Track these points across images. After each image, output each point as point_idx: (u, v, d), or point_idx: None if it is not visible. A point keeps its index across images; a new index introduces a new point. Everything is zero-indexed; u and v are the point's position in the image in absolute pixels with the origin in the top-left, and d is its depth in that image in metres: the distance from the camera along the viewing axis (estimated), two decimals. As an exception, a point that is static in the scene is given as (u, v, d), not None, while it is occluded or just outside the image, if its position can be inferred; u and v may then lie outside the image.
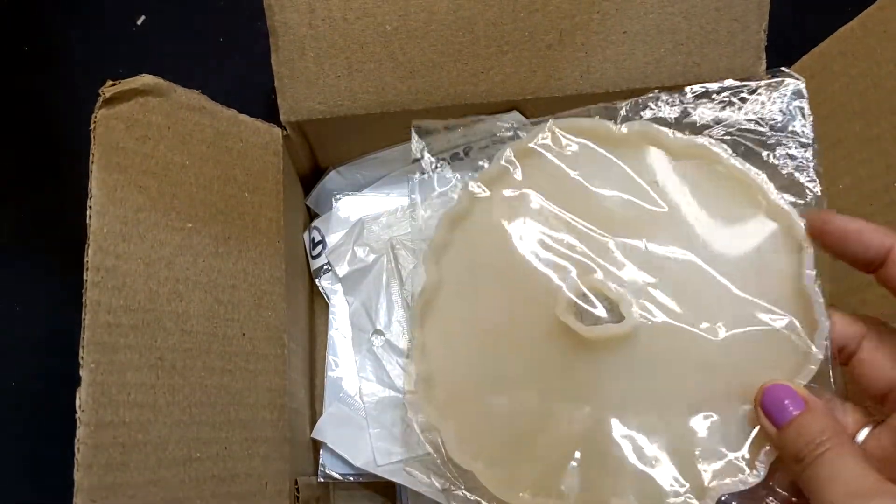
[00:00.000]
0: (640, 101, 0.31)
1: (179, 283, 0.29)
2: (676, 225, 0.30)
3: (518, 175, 0.32)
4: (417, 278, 0.32)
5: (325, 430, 0.38)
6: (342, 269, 0.40)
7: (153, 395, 0.28)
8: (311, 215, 0.44)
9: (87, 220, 0.27)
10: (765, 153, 0.30)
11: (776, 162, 0.30)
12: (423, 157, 0.34)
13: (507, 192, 0.31)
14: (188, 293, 0.30)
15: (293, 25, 0.34)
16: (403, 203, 0.40)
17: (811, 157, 0.29)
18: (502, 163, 0.32)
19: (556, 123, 0.32)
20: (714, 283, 0.29)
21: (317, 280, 0.42)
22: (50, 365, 0.41)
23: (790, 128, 0.30)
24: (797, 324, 0.28)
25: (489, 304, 0.31)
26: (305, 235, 0.42)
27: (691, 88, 0.31)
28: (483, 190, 0.32)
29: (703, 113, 0.31)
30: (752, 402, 0.27)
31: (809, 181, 0.29)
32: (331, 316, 0.41)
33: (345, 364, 0.40)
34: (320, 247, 0.41)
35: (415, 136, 0.34)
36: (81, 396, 0.26)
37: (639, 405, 0.29)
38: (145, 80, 0.30)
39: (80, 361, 0.26)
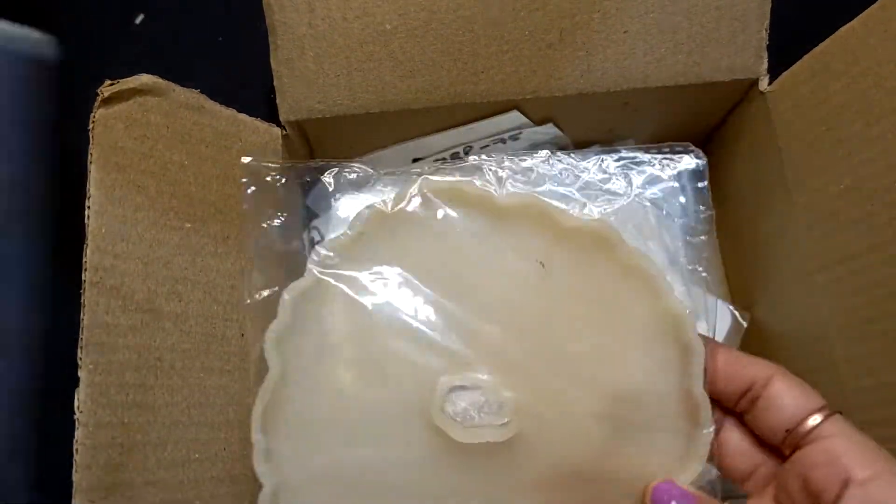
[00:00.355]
0: (530, 160, 0.29)
1: (178, 283, 0.29)
2: (563, 316, 0.27)
3: (378, 244, 0.28)
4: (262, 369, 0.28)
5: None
6: (341, 269, 0.40)
7: (152, 395, 0.28)
8: (311, 215, 0.44)
9: (86, 220, 0.27)
10: (662, 242, 0.29)
11: (670, 242, 0.29)
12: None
13: (365, 265, 0.28)
14: (187, 293, 0.30)
15: (292, 24, 0.34)
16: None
17: (704, 242, 0.29)
18: (357, 230, 0.28)
19: (428, 185, 0.28)
20: (598, 383, 0.27)
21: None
22: (49, 365, 0.41)
23: (686, 206, 0.29)
24: (682, 424, 0.27)
25: (344, 397, 0.28)
26: (304, 235, 0.42)
27: (587, 154, 0.30)
28: (335, 260, 0.28)
29: (599, 178, 0.29)
30: None
31: (702, 267, 0.29)
32: (330, 316, 0.41)
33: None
34: (320, 247, 0.41)
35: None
36: (80, 397, 0.26)
37: None
38: (144, 79, 0.29)
39: (79, 362, 0.26)
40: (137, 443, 0.27)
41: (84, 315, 0.26)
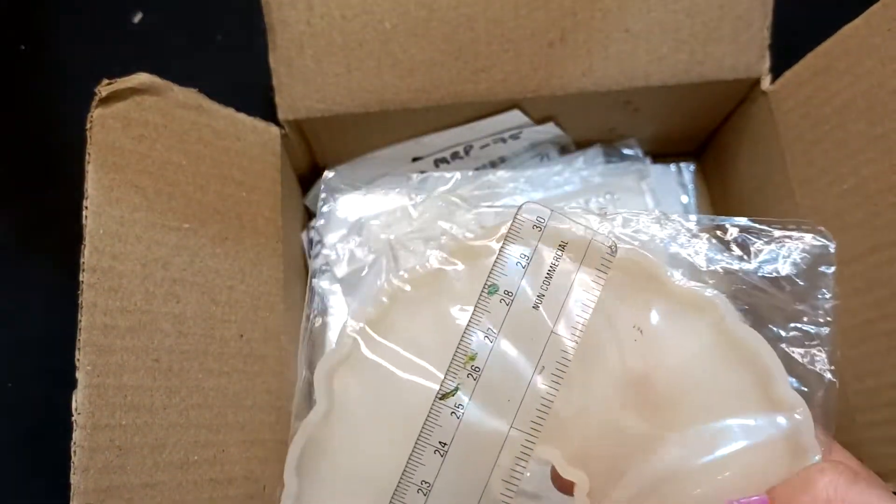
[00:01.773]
0: (630, 215, 0.26)
1: (176, 284, 0.29)
2: (657, 393, 0.24)
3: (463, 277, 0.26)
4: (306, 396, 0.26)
5: (323, 431, 0.37)
6: (341, 270, 0.40)
7: (150, 397, 0.27)
8: (310, 215, 0.43)
9: (84, 221, 0.27)
10: (775, 327, 0.24)
11: (788, 337, 0.24)
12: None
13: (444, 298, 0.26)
14: (185, 294, 0.29)
15: (291, 23, 0.34)
16: (403, 203, 0.40)
17: (827, 338, 0.24)
18: (436, 261, 0.26)
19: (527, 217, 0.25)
20: (690, 480, 0.23)
21: (315, 280, 0.41)
22: (46, 367, 0.41)
23: (811, 298, 0.25)
24: None
25: (391, 451, 0.25)
26: (304, 235, 0.42)
27: (698, 220, 0.26)
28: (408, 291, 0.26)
29: (707, 252, 0.25)
30: None
31: (823, 368, 0.24)
32: (329, 318, 0.40)
33: (344, 365, 0.39)
34: (319, 247, 0.41)
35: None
36: (78, 399, 0.25)
37: None
38: (142, 78, 0.29)
39: (77, 363, 0.26)
40: (135, 445, 0.27)
41: (82, 316, 0.26)
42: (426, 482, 0.23)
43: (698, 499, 0.23)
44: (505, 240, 0.25)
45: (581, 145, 0.42)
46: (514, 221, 0.25)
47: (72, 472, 0.25)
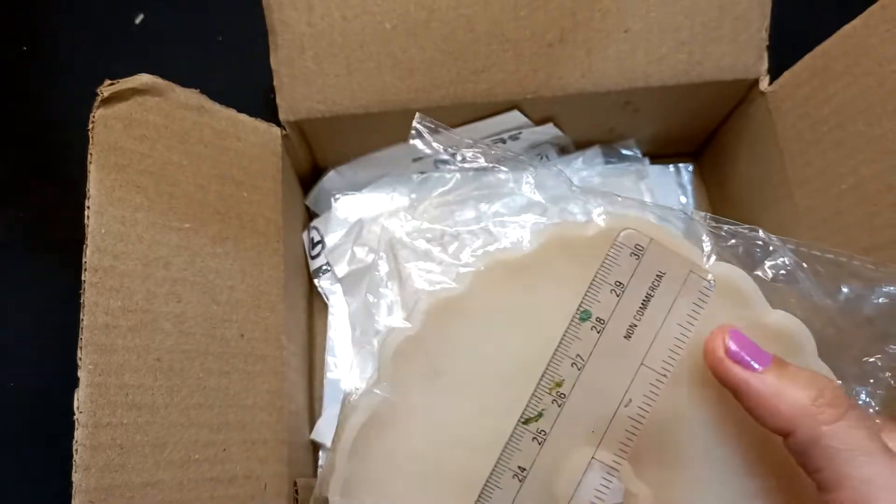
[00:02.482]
0: (736, 229, 0.26)
1: (177, 283, 0.29)
2: (726, 412, 0.24)
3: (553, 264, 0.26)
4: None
5: (324, 431, 0.37)
6: (341, 270, 0.40)
7: (151, 396, 0.28)
8: (310, 215, 0.44)
9: (86, 220, 0.27)
10: (841, 365, 0.24)
11: (849, 375, 0.25)
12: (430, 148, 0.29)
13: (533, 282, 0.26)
14: (186, 294, 0.29)
15: (292, 24, 0.34)
16: (403, 203, 0.40)
17: (885, 382, 0.25)
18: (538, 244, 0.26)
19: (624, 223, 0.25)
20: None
21: (315, 280, 0.41)
22: (48, 366, 0.41)
23: (884, 345, 0.25)
24: None
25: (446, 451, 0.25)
26: (304, 235, 0.42)
27: (803, 248, 0.25)
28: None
29: (803, 282, 0.25)
30: None
31: (877, 405, 0.25)
32: (329, 317, 0.41)
33: (344, 366, 0.39)
34: (319, 247, 0.41)
35: (420, 131, 0.29)
36: (80, 398, 0.26)
37: None
38: (143, 79, 0.29)
39: (79, 362, 0.26)
40: (137, 443, 0.27)
41: (83, 316, 0.26)
42: None
43: None
44: (601, 266, 0.25)
45: (580, 146, 0.42)
46: (612, 247, 0.25)
47: (73, 470, 0.25)
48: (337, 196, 0.42)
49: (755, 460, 0.24)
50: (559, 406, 0.24)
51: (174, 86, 0.31)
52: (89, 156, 0.28)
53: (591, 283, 0.25)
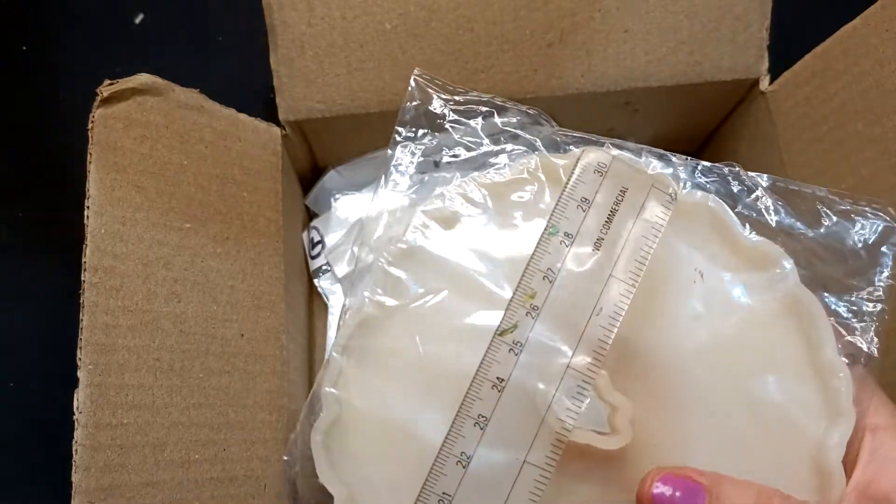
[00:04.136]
0: (713, 166, 0.27)
1: (177, 283, 0.29)
2: (702, 338, 0.25)
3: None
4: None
5: (324, 431, 0.37)
6: (341, 270, 0.40)
7: (151, 396, 0.28)
8: (310, 215, 0.44)
9: (85, 220, 0.27)
10: (829, 296, 0.25)
11: (837, 307, 0.25)
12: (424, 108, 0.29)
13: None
14: (186, 294, 0.29)
15: (292, 24, 0.34)
16: (403, 202, 0.40)
17: (876, 315, 0.25)
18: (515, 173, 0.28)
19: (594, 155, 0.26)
20: (720, 420, 0.25)
21: (315, 280, 0.41)
22: (48, 366, 0.41)
23: (868, 275, 0.25)
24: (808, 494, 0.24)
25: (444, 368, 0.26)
26: (304, 235, 0.42)
27: (766, 179, 0.27)
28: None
29: (774, 213, 0.26)
30: None
31: (869, 344, 0.25)
32: (329, 317, 0.41)
33: (344, 364, 0.39)
34: (319, 247, 0.41)
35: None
36: (79, 398, 0.26)
37: None
38: (143, 79, 0.29)
39: (78, 363, 0.26)
40: (137, 443, 0.27)
41: (83, 316, 0.26)
42: (483, 416, 0.24)
43: (735, 445, 0.24)
44: (567, 184, 0.26)
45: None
46: (577, 166, 0.26)
47: (73, 470, 0.25)
48: (337, 196, 0.42)
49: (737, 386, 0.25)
50: (533, 318, 0.24)
51: (174, 85, 0.31)
52: (89, 156, 0.28)
53: (559, 200, 0.25)
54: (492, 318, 0.26)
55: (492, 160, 0.29)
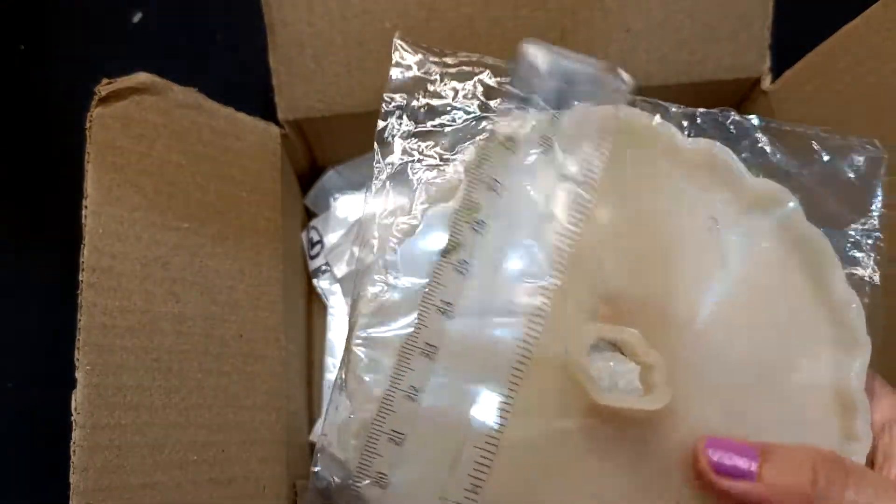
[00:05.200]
0: (708, 112, 0.27)
1: (176, 283, 0.29)
2: (721, 284, 0.24)
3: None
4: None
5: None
6: (340, 270, 0.40)
7: (149, 396, 0.27)
8: (310, 215, 0.43)
9: (83, 220, 0.27)
10: (827, 231, 0.25)
11: (837, 240, 0.25)
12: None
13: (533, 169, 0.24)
14: (184, 294, 0.29)
15: (291, 22, 0.33)
16: (403, 203, 0.40)
17: (874, 245, 0.25)
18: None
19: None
20: (746, 361, 0.24)
21: (315, 281, 0.41)
22: (46, 366, 0.41)
23: (861, 207, 0.26)
24: (833, 429, 0.23)
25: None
26: (303, 235, 0.42)
27: (758, 121, 0.27)
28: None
29: (777, 156, 0.26)
30: None
31: (870, 274, 0.25)
32: (328, 318, 0.40)
33: (343, 365, 0.39)
34: (318, 247, 0.41)
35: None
36: (77, 398, 0.25)
37: None
38: (141, 78, 0.29)
39: (76, 363, 0.26)
40: (135, 444, 0.27)
41: (81, 316, 0.26)
42: (431, 345, 0.22)
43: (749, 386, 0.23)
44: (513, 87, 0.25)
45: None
46: (518, 66, 0.25)
47: (71, 471, 0.25)
48: (336, 196, 0.42)
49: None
50: (480, 234, 0.23)
51: (172, 85, 0.30)
52: (87, 155, 0.28)
53: (499, 106, 0.24)
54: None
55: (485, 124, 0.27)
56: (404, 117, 0.27)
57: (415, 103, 0.26)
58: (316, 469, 0.25)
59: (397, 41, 0.27)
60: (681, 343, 0.23)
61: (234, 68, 0.46)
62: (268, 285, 0.33)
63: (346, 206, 0.41)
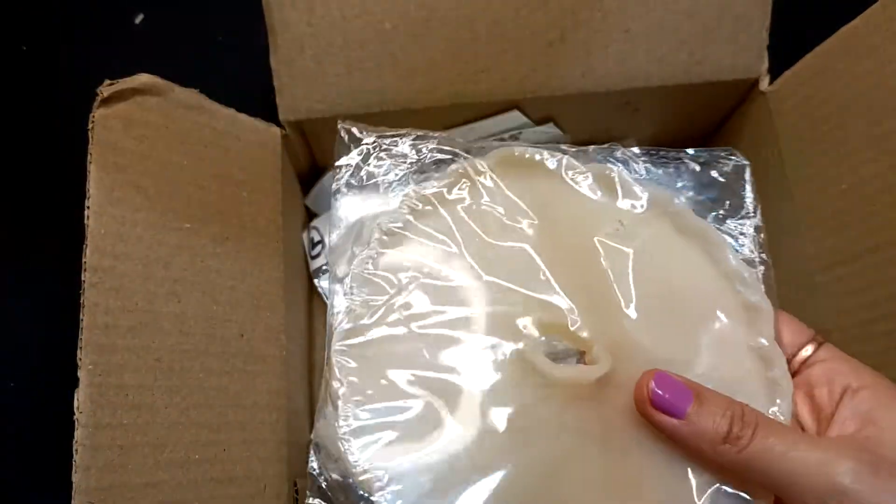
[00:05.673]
0: (600, 148, 0.32)
1: (177, 283, 0.29)
2: (639, 271, 0.29)
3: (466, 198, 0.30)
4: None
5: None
6: (342, 270, 0.40)
7: (151, 396, 0.28)
8: (310, 215, 0.43)
9: (85, 221, 0.27)
10: (715, 224, 0.31)
11: (722, 231, 0.31)
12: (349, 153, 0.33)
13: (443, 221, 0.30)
14: (186, 294, 0.29)
15: (292, 24, 0.34)
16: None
17: (755, 230, 0.31)
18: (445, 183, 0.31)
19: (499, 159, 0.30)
20: (677, 331, 0.28)
21: (316, 280, 0.41)
22: (47, 366, 0.41)
23: (735, 199, 0.32)
24: (756, 376, 0.28)
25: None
26: (304, 235, 0.42)
27: (637, 150, 0.32)
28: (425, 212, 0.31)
29: (660, 172, 0.32)
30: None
31: (757, 251, 0.31)
32: (329, 318, 0.41)
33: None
34: (319, 247, 0.41)
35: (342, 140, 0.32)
36: (79, 398, 0.26)
37: (599, 475, 0.27)
38: (143, 79, 0.29)
39: (78, 363, 0.26)
40: (137, 444, 0.27)
41: (83, 316, 0.26)
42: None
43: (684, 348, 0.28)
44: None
45: (580, 145, 0.42)
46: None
47: (73, 470, 0.25)
48: (337, 196, 0.42)
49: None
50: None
51: (174, 86, 0.31)
52: (89, 156, 0.28)
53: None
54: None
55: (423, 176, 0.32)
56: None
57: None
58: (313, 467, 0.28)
59: (342, 126, 0.32)
60: (619, 322, 0.28)
61: (236, 69, 0.46)
62: (269, 285, 0.33)
63: (347, 207, 0.41)
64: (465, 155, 0.31)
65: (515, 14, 0.34)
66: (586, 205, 0.30)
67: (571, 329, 0.28)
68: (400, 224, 0.31)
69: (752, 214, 0.31)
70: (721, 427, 0.24)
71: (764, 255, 0.30)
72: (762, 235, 0.31)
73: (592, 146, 0.32)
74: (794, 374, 0.28)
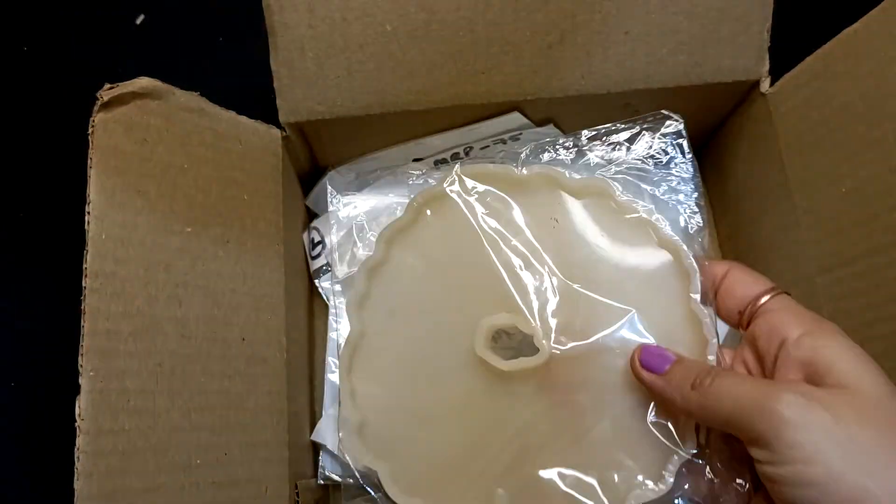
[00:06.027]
0: (537, 145, 0.35)
1: (178, 287, 0.29)
2: (578, 257, 0.33)
3: (427, 220, 0.35)
4: (343, 328, 0.35)
5: (324, 432, 0.37)
6: (342, 270, 0.40)
7: (152, 400, 0.28)
8: (311, 215, 0.44)
9: (86, 225, 0.27)
10: (650, 188, 0.35)
11: (662, 197, 0.34)
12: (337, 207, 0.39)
13: (418, 238, 0.35)
14: (187, 298, 0.30)
15: (292, 25, 0.34)
16: (403, 203, 0.40)
17: (692, 190, 0.34)
18: (411, 209, 0.35)
19: (463, 170, 0.35)
20: (614, 309, 0.32)
21: (316, 281, 0.41)
22: (48, 371, 0.41)
23: (672, 164, 0.35)
24: (690, 341, 0.32)
25: (410, 345, 0.34)
26: (305, 236, 0.42)
27: (586, 133, 0.35)
28: (395, 237, 0.35)
29: (596, 154, 0.35)
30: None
31: (692, 213, 0.34)
32: (330, 317, 0.41)
33: (345, 366, 0.39)
34: (320, 247, 0.41)
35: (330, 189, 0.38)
36: (81, 404, 0.25)
37: (557, 430, 0.32)
38: (143, 82, 0.29)
39: (80, 369, 0.26)
40: (138, 448, 0.27)
41: (84, 321, 0.26)
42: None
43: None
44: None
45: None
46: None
47: (75, 478, 0.25)
48: (337, 196, 0.42)
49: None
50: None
51: (174, 89, 0.30)
52: (89, 160, 0.28)
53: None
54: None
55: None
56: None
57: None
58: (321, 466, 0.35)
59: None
60: (575, 296, 0.33)
61: (236, 71, 0.46)
62: (269, 287, 0.33)
63: (347, 207, 0.41)
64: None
65: (515, 16, 0.34)
66: (528, 204, 0.35)
67: (518, 322, 0.33)
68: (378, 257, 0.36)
69: (689, 172, 0.35)
70: (689, 377, 0.27)
71: (703, 220, 0.34)
72: (697, 193, 0.34)
73: (532, 144, 0.36)
74: (746, 325, 0.30)
